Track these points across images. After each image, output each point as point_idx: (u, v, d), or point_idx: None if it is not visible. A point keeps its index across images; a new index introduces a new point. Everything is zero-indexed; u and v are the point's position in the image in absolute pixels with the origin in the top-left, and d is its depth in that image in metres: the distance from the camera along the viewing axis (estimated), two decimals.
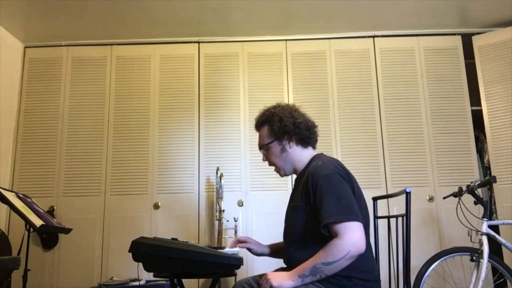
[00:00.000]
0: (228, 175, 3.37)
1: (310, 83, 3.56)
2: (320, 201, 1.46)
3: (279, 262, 1.73)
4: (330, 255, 1.38)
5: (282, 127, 1.67)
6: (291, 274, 1.43)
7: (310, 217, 1.52)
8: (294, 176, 1.75)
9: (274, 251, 1.86)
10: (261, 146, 1.75)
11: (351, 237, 1.38)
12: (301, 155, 1.70)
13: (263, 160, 1.78)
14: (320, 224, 1.44)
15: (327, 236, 1.44)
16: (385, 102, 3.50)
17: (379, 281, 1.58)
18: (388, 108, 3.49)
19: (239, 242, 1.84)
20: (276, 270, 1.65)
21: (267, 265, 3.07)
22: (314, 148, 1.75)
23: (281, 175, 1.77)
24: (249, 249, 1.84)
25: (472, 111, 3.47)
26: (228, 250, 1.73)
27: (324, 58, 3.61)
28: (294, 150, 1.69)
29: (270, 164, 1.76)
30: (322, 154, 1.72)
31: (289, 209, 1.70)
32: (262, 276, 1.64)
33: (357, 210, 1.45)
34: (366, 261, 1.52)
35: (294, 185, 1.75)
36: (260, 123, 1.76)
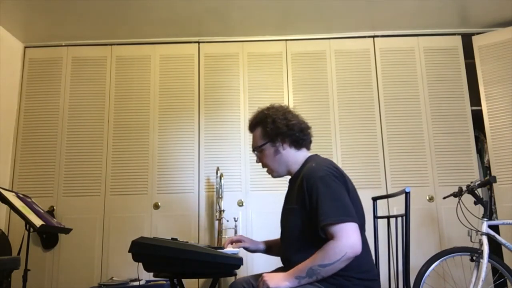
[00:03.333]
0: (228, 175, 3.37)
1: (310, 83, 3.56)
2: (316, 202, 1.46)
3: (279, 262, 1.73)
4: (326, 257, 1.39)
5: (275, 129, 1.66)
6: (287, 275, 1.44)
7: (306, 219, 1.52)
8: (288, 176, 1.75)
9: (268, 247, 1.88)
10: (255, 148, 1.74)
11: (347, 239, 1.38)
12: (295, 156, 1.69)
13: (257, 162, 1.77)
14: (318, 226, 1.44)
15: (323, 237, 1.44)
16: (385, 102, 3.50)
17: (378, 280, 1.58)
18: (388, 108, 3.49)
19: (233, 242, 1.84)
20: (274, 271, 1.65)
21: (267, 265, 3.07)
22: (308, 149, 1.74)
23: (274, 177, 1.76)
24: (245, 248, 1.85)
25: (472, 111, 3.47)
26: (228, 250, 1.73)
27: (324, 58, 3.61)
28: (287, 152, 1.68)
29: (263, 165, 1.75)
30: (316, 155, 1.71)
31: (285, 211, 1.70)
32: (260, 275, 1.65)
33: (352, 210, 1.45)
34: (365, 261, 1.52)
35: (289, 186, 1.74)
36: (253, 125, 1.75)
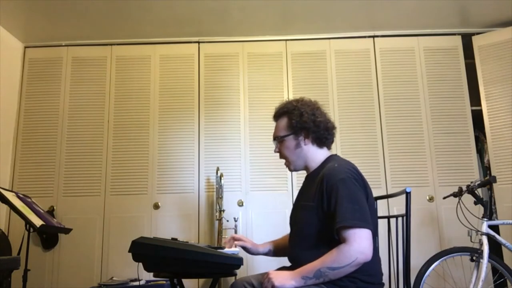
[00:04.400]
0: (228, 175, 3.37)
1: (310, 83, 3.56)
2: (335, 204, 1.45)
3: (279, 262, 1.73)
4: (336, 260, 1.38)
5: (301, 122, 1.64)
6: (294, 274, 1.42)
7: (320, 218, 1.51)
8: (298, 173, 1.74)
9: (275, 247, 1.83)
10: (276, 137, 1.72)
11: (359, 245, 1.37)
12: (315, 154, 1.67)
13: (275, 151, 1.75)
14: (334, 227, 1.42)
15: (336, 239, 1.42)
16: (385, 102, 3.50)
17: (383, 284, 1.57)
18: (388, 108, 3.49)
19: (234, 240, 1.81)
20: (278, 269, 1.64)
21: (268, 265, 3.07)
22: (329, 149, 1.72)
23: (290, 170, 1.74)
24: (245, 248, 1.82)
25: (472, 111, 3.47)
26: (228, 250, 1.73)
27: (324, 58, 3.61)
28: (308, 147, 1.66)
29: (281, 156, 1.73)
30: (336, 155, 1.70)
31: (298, 207, 1.68)
32: (264, 274, 1.63)
33: (368, 217, 1.44)
34: (372, 265, 1.50)
35: (305, 183, 1.72)
36: (279, 114, 1.72)
